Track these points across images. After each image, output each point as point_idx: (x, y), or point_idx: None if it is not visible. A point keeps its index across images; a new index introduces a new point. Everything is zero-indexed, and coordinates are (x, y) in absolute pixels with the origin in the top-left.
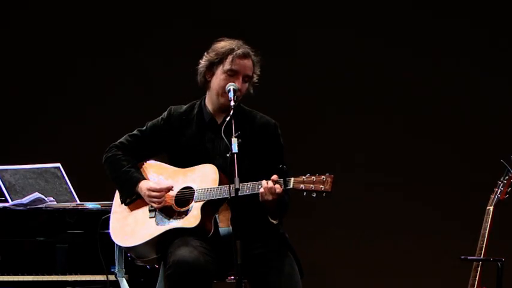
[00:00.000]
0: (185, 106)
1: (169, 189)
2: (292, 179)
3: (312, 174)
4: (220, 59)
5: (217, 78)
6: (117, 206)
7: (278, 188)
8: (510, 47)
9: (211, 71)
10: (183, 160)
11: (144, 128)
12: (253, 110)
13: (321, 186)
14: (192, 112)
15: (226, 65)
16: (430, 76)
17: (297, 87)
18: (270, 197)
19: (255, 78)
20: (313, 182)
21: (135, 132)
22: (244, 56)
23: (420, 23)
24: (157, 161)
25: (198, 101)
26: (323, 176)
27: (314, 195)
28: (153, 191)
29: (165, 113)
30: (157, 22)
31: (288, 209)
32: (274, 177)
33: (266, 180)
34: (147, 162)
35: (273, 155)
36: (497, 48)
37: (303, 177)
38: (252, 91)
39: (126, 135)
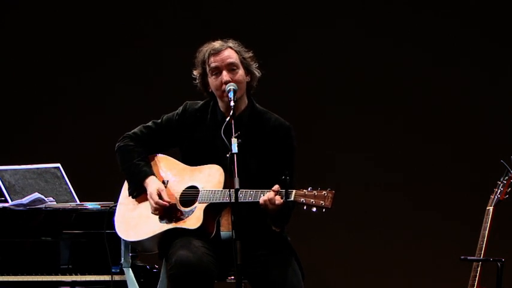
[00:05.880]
0: (201, 103)
1: (165, 206)
2: (294, 191)
3: (313, 188)
4: (203, 68)
5: (211, 83)
6: (124, 197)
7: (278, 199)
8: (511, 46)
9: (205, 81)
10: (194, 156)
11: (159, 120)
12: (269, 112)
13: (321, 201)
14: (207, 110)
15: (208, 68)
16: (431, 76)
17: (296, 87)
18: (269, 207)
19: (250, 61)
20: (314, 197)
21: (149, 124)
22: (217, 50)
23: (421, 23)
24: (169, 155)
25: (213, 100)
26: (324, 192)
27: (314, 210)
28: (152, 199)
29: (181, 107)
30: (157, 22)
31: (290, 217)
32: (276, 187)
33: (268, 189)
34: (158, 155)
35: (284, 158)
36: (498, 48)
37: (305, 190)
38: (258, 73)
39: (141, 126)
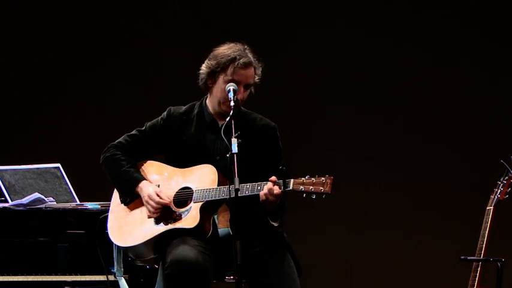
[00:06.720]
0: (184, 107)
1: (167, 205)
2: (292, 180)
3: (311, 176)
4: (222, 68)
5: (219, 87)
6: (115, 205)
7: (277, 189)
8: (511, 46)
9: (212, 78)
10: (182, 159)
11: (144, 128)
12: (253, 112)
13: (321, 188)
14: (192, 112)
15: (228, 75)
16: (431, 76)
17: (296, 87)
18: (269, 198)
19: (257, 79)
20: (312, 184)
21: (134, 132)
22: (246, 66)
23: (421, 23)
24: (156, 160)
25: (197, 102)
26: (323, 178)
27: (313, 197)
28: (152, 200)
29: (165, 113)
30: (157, 22)
31: (285, 210)
32: (273, 178)
33: (265, 181)
34: (147, 161)
35: (271, 158)
36: (498, 48)
37: (303, 178)
38: (253, 90)
39: (125, 135)
